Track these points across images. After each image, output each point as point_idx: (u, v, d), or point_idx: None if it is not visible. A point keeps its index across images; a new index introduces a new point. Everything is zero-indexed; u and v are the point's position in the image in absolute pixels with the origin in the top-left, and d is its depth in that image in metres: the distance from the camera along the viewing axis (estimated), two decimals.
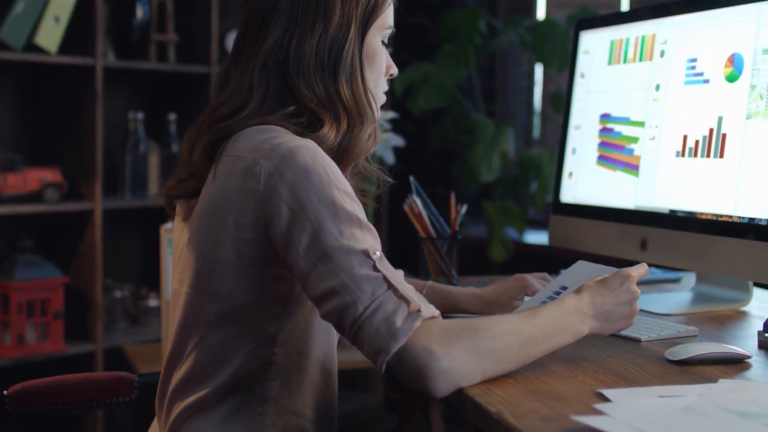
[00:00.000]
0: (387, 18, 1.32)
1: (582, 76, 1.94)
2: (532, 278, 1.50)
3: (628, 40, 1.81)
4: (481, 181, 3.25)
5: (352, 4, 1.27)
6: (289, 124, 1.24)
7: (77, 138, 2.92)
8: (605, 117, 1.85)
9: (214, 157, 1.24)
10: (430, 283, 1.56)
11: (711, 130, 1.59)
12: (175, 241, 1.34)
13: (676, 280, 1.96)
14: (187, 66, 3.13)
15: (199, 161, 1.26)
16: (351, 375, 3.55)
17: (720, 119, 1.57)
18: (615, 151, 1.81)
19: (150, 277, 3.24)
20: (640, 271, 1.28)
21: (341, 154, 1.27)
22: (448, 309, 1.52)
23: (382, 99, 1.36)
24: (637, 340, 1.36)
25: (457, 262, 1.81)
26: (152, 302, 3.11)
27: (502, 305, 1.48)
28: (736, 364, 1.24)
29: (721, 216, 1.55)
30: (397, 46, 3.48)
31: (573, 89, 1.95)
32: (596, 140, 1.87)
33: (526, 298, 1.49)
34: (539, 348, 1.17)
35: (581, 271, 1.38)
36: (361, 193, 1.33)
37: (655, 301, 1.68)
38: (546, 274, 1.53)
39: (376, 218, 3.41)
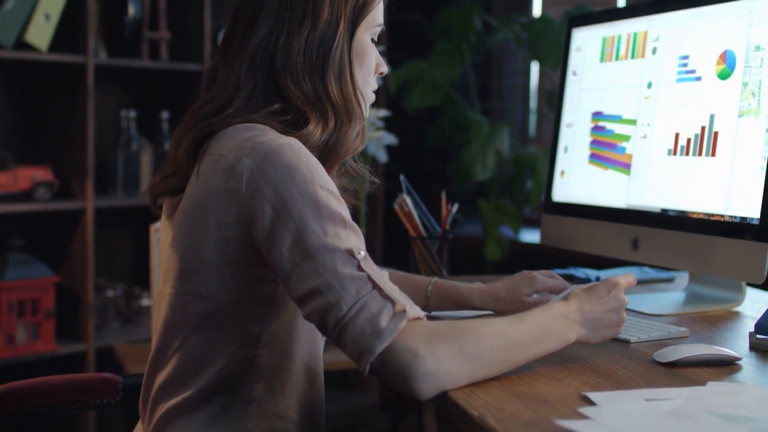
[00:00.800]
0: (376, 15, 1.30)
1: (574, 73, 1.92)
2: (540, 275, 1.48)
3: (620, 38, 1.80)
4: (476, 180, 3.23)
5: (341, 2, 1.26)
6: (274, 122, 1.23)
7: (69, 136, 2.90)
8: (597, 115, 1.83)
9: (198, 154, 1.23)
10: (435, 279, 1.54)
11: (703, 128, 1.57)
12: (161, 240, 1.32)
13: (670, 280, 1.94)
14: (179, 64, 3.11)
15: (184, 159, 1.25)
16: (346, 375, 3.53)
17: (712, 117, 1.56)
18: (607, 150, 1.80)
19: (142, 276, 3.22)
20: (627, 279, 1.26)
21: (328, 153, 1.25)
22: (455, 305, 1.50)
23: (371, 97, 1.34)
24: (626, 342, 1.34)
25: (447, 261, 1.79)
26: (144, 301, 3.09)
27: (511, 302, 1.47)
28: (726, 366, 1.22)
29: (713, 215, 1.54)
30: (391, 43, 3.47)
31: (565, 87, 1.93)
32: (588, 138, 1.85)
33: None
34: (526, 353, 1.15)
35: None
36: (349, 193, 1.32)
37: (647, 301, 1.66)
38: (552, 272, 1.51)
39: (369, 217, 3.39)
